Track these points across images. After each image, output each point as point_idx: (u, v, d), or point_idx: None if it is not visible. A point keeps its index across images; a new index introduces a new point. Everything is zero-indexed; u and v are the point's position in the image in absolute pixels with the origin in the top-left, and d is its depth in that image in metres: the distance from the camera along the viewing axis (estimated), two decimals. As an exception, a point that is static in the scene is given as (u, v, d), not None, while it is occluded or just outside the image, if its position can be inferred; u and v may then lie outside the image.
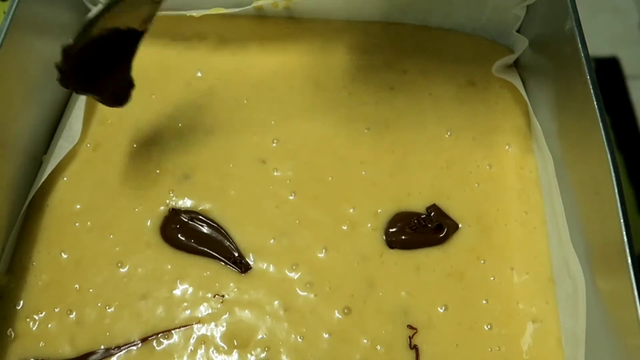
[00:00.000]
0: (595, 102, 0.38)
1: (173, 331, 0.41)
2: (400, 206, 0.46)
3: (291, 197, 0.46)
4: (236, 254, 0.44)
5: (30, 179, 0.45)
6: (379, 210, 0.46)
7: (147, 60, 0.52)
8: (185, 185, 0.46)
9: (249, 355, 0.41)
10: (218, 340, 0.41)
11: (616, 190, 0.35)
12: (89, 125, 0.48)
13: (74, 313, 0.41)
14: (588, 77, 0.39)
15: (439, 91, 0.51)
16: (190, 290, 0.43)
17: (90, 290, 0.42)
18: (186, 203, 0.46)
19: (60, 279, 0.43)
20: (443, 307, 0.42)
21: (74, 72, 0.36)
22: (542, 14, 0.48)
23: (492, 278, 0.43)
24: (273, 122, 0.49)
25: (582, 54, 0.40)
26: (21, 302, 0.42)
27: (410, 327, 0.42)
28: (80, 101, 0.48)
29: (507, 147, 0.49)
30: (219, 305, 0.42)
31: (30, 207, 0.45)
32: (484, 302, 0.43)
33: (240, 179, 0.47)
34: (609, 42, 1.03)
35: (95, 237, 0.44)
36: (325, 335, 0.41)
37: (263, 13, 0.54)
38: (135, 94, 0.50)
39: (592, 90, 0.38)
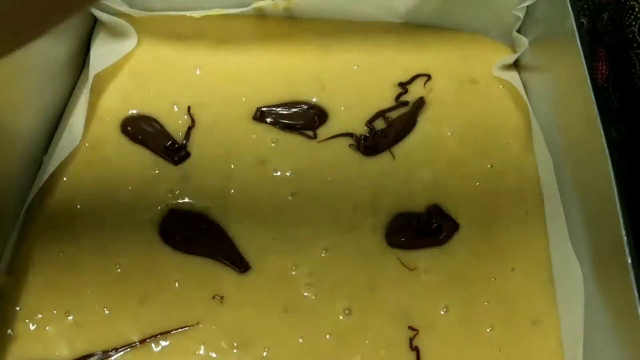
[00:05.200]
0: (595, 102, 0.38)
1: (172, 332, 0.41)
2: (401, 205, 0.46)
3: (291, 197, 0.46)
4: (235, 254, 0.44)
5: (30, 179, 0.45)
6: (379, 210, 0.45)
7: (146, 58, 0.52)
8: (185, 185, 0.46)
9: (248, 356, 0.40)
10: (217, 341, 0.41)
11: (616, 191, 0.35)
12: (87, 123, 0.48)
13: (72, 315, 0.41)
14: (588, 77, 0.39)
15: (441, 89, 0.51)
16: (190, 291, 0.42)
17: (89, 291, 0.42)
18: (185, 202, 0.46)
19: (60, 280, 0.42)
20: (444, 309, 0.42)
21: None
22: (542, 14, 0.48)
23: (493, 279, 0.43)
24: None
25: (582, 54, 0.40)
26: (20, 303, 0.42)
27: (411, 328, 0.41)
28: (82, 103, 0.48)
29: (508, 146, 0.49)
30: (218, 306, 0.42)
31: (30, 207, 0.45)
32: (486, 303, 0.42)
33: (240, 179, 0.47)
34: (609, 43, 1.02)
35: (94, 237, 0.44)
36: (326, 336, 0.41)
37: (263, 13, 0.54)
38: (134, 91, 0.50)
39: (592, 90, 0.38)
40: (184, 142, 0.48)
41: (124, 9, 0.51)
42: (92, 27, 0.53)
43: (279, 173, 0.47)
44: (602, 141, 0.37)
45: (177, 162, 0.47)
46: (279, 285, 0.43)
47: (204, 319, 0.41)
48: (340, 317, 0.42)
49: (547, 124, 0.46)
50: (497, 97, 0.51)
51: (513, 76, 0.51)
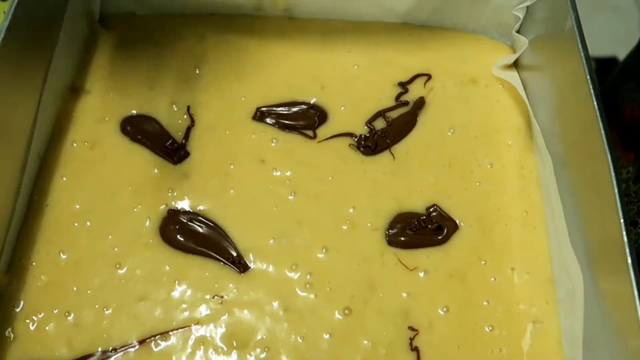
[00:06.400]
0: (595, 102, 0.38)
1: (171, 333, 0.41)
2: (401, 205, 0.46)
3: (291, 197, 0.46)
4: (235, 254, 0.44)
5: (31, 179, 0.45)
6: (379, 210, 0.45)
7: (145, 58, 0.52)
8: (185, 185, 0.46)
9: (248, 356, 0.40)
10: (217, 341, 0.41)
11: (616, 190, 0.35)
12: (87, 123, 0.48)
13: (72, 315, 0.41)
14: (588, 77, 0.39)
15: (441, 89, 0.51)
16: (189, 291, 0.42)
17: (89, 291, 0.42)
18: (185, 202, 0.46)
19: (59, 280, 0.42)
20: (444, 309, 0.42)
21: None
22: (542, 14, 0.48)
23: (492, 279, 0.43)
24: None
25: (582, 54, 0.40)
26: (20, 303, 0.42)
27: (411, 328, 0.41)
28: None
29: (508, 146, 0.49)
30: (217, 306, 0.42)
31: (30, 207, 0.45)
32: (485, 303, 0.42)
33: (240, 179, 0.47)
34: (609, 42, 1.02)
35: (94, 237, 0.44)
36: (326, 336, 0.41)
37: (263, 12, 0.54)
38: (134, 91, 0.50)
39: (592, 90, 0.38)
40: (184, 141, 0.48)
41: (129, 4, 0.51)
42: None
43: (279, 173, 0.47)
44: (602, 141, 0.37)
45: (176, 162, 0.47)
46: (278, 285, 0.43)
47: (204, 319, 0.41)
48: (340, 317, 0.42)
49: (547, 124, 0.46)
50: (497, 97, 0.51)
51: (513, 76, 0.51)
